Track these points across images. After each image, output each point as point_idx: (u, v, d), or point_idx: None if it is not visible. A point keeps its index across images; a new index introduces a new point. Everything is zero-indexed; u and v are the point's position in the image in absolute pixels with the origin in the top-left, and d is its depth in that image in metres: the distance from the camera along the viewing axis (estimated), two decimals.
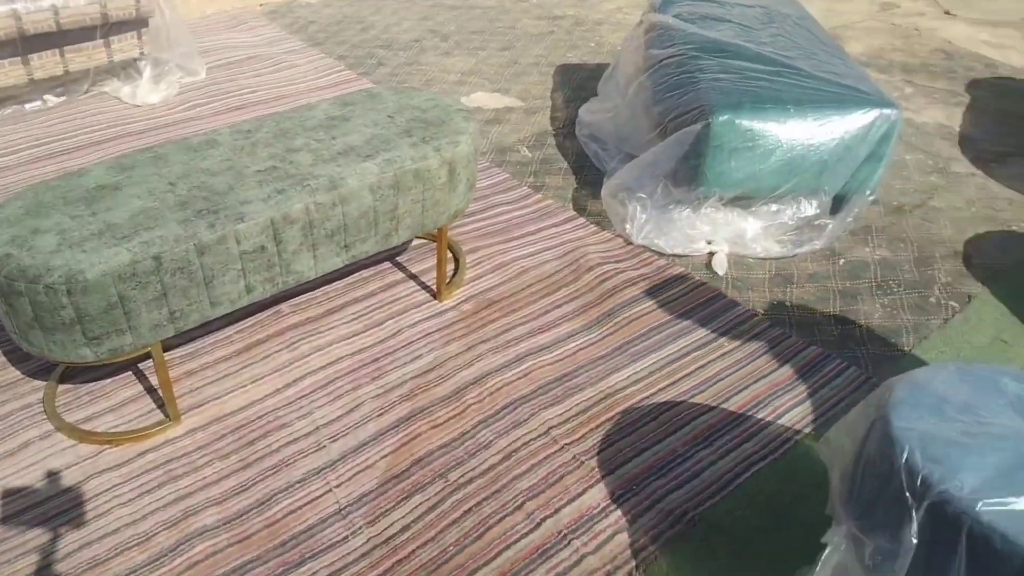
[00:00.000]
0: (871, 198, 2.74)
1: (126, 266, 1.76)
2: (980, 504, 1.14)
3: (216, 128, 2.25)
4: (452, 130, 2.26)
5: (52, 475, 1.91)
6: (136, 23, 3.69)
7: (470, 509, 1.84)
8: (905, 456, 1.23)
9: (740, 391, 2.16)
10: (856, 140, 2.61)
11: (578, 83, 4.06)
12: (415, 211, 2.21)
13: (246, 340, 2.34)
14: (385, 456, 1.97)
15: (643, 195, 2.79)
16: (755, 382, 2.19)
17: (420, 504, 1.85)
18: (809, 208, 2.67)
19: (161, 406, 2.11)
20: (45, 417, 2.06)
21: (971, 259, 2.70)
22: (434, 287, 2.53)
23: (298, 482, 1.91)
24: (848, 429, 1.46)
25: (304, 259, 2.05)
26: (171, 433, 2.04)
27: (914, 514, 1.19)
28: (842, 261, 2.70)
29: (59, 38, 3.51)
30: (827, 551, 1.34)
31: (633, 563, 1.71)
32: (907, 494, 1.20)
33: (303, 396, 2.15)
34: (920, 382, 1.39)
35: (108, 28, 3.60)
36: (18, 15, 3.33)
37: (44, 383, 2.16)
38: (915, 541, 1.19)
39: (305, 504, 1.86)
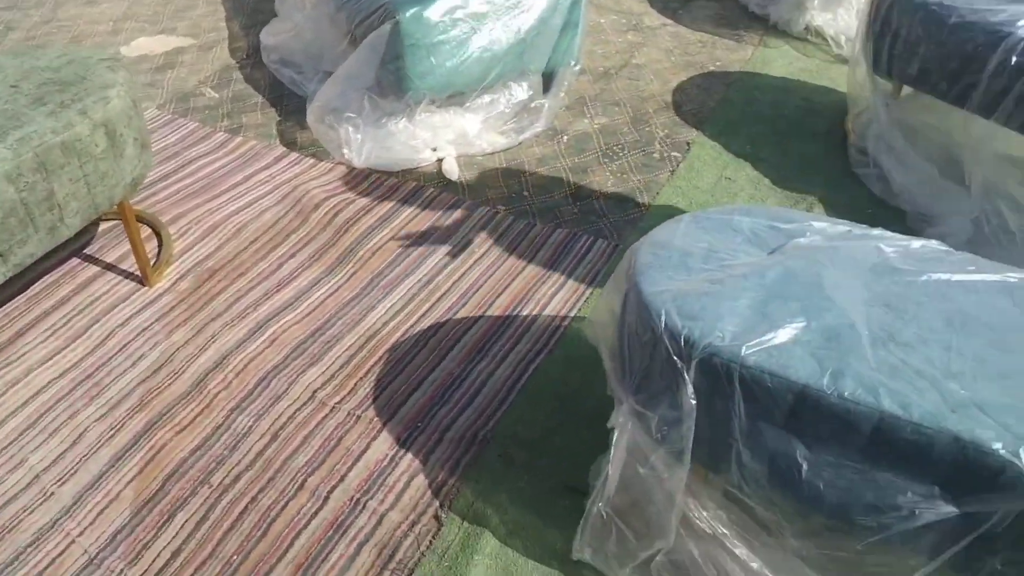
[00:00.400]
0: (576, 68, 2.72)
1: None
2: (744, 349, 1.13)
3: None
4: (97, 85, 1.87)
5: None
6: None
7: (246, 508, 1.61)
8: (663, 321, 1.19)
9: (501, 293, 2.08)
10: (548, 12, 2.55)
11: (252, 5, 3.65)
12: (79, 191, 1.83)
13: None
14: (130, 482, 1.67)
15: (352, 114, 2.56)
16: (513, 280, 2.12)
17: (186, 522, 1.59)
18: (521, 92, 2.60)
19: None
20: None
21: (681, 107, 2.79)
22: (138, 272, 2.17)
23: (29, 545, 1.57)
24: (606, 305, 1.41)
25: None
26: None
27: (686, 376, 1.16)
28: (565, 138, 2.68)
29: None
30: (615, 435, 1.30)
31: (436, 503, 1.60)
32: (675, 358, 1.17)
33: (10, 443, 1.76)
34: (660, 242, 1.35)
35: None
36: None
37: None
38: (693, 403, 1.16)
39: (46, 568, 1.53)
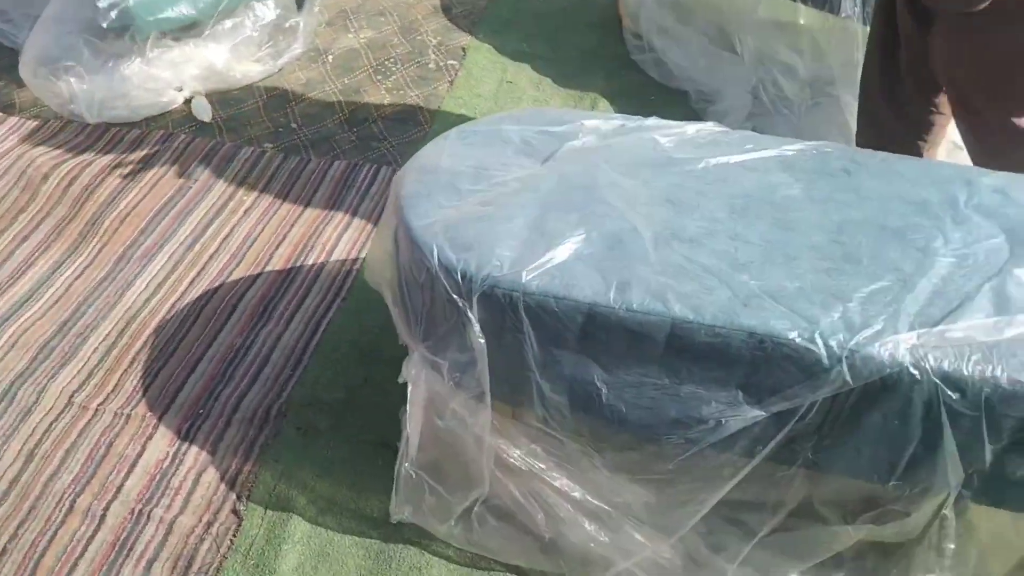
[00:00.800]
0: None
1: None
2: (524, 275, 1.01)
3: None
4: None
5: None
6: None
7: (4, 549, 1.35)
8: (436, 257, 1.05)
9: (280, 244, 1.86)
10: None
11: None
12: None
13: None
14: None
15: (71, 62, 2.18)
16: (292, 228, 1.90)
17: None
18: (268, 11, 2.30)
19: None
20: None
21: (450, 10, 2.60)
22: None
23: None
24: (381, 244, 1.25)
25: None
26: None
27: (470, 314, 1.03)
28: (331, 58, 2.43)
29: None
30: (409, 388, 1.17)
31: (232, 496, 1.41)
32: (454, 297, 1.04)
33: None
34: (426, 166, 1.20)
35: None
36: None
37: None
38: (482, 342, 1.04)
39: None
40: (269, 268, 1.80)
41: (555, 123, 1.28)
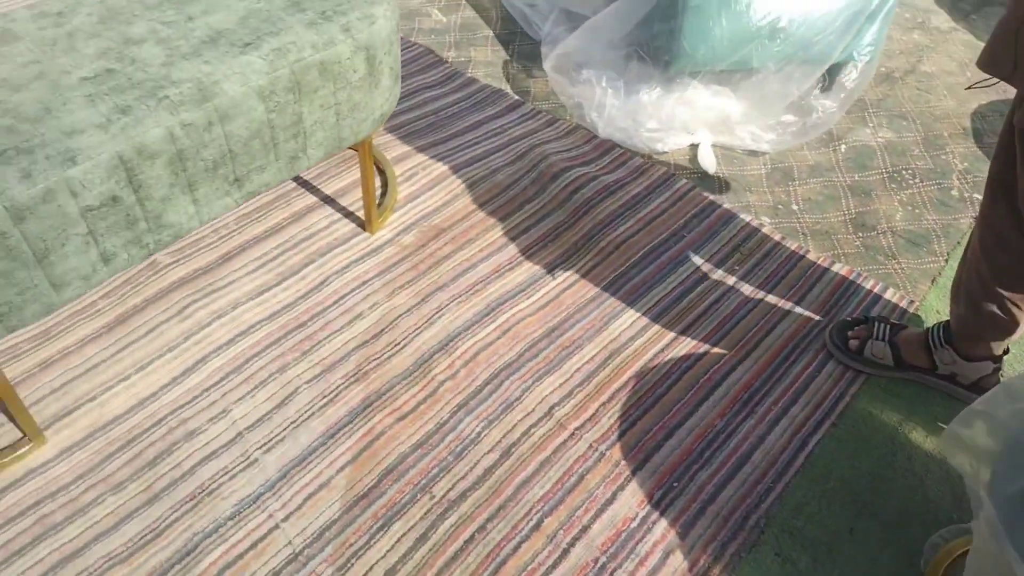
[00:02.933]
0: (870, 64, 2.29)
1: None
2: None
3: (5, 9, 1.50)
4: (362, 0, 1.60)
5: None
6: None
7: (472, 537, 1.38)
8: None
9: (768, 333, 1.76)
10: None
11: None
12: (327, 120, 1.59)
13: (117, 309, 1.72)
14: (343, 468, 1.47)
15: (599, 72, 2.25)
16: (781, 320, 1.79)
17: (404, 535, 1.38)
18: (803, 80, 2.20)
19: (12, 419, 1.51)
20: None
21: (982, 137, 2.35)
22: (359, 214, 1.94)
23: (230, 518, 1.39)
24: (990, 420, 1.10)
25: (180, 206, 1.42)
26: (35, 458, 1.45)
27: None
28: (843, 147, 2.29)
29: None
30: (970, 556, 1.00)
31: None
32: None
33: (212, 387, 1.59)
34: None
35: None
36: None
37: None
38: None
39: (247, 551, 1.35)
40: (755, 355, 1.70)
41: None
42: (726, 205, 2.07)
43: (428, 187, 2.05)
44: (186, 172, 1.39)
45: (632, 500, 1.44)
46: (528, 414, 1.57)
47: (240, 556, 1.35)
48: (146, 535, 1.36)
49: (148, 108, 1.30)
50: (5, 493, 1.41)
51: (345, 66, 1.56)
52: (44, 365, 1.60)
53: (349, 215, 1.96)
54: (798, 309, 1.82)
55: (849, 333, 1.69)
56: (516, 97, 2.39)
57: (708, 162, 2.19)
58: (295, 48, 1.47)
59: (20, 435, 1.48)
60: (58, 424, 1.51)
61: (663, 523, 1.41)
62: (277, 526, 1.39)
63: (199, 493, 1.42)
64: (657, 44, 2.23)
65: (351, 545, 1.37)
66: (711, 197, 2.09)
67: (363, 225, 1.93)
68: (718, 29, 2.13)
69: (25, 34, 1.41)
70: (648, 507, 1.43)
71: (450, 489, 1.45)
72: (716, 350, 1.71)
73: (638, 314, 1.77)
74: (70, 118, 1.25)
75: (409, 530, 1.39)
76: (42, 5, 1.49)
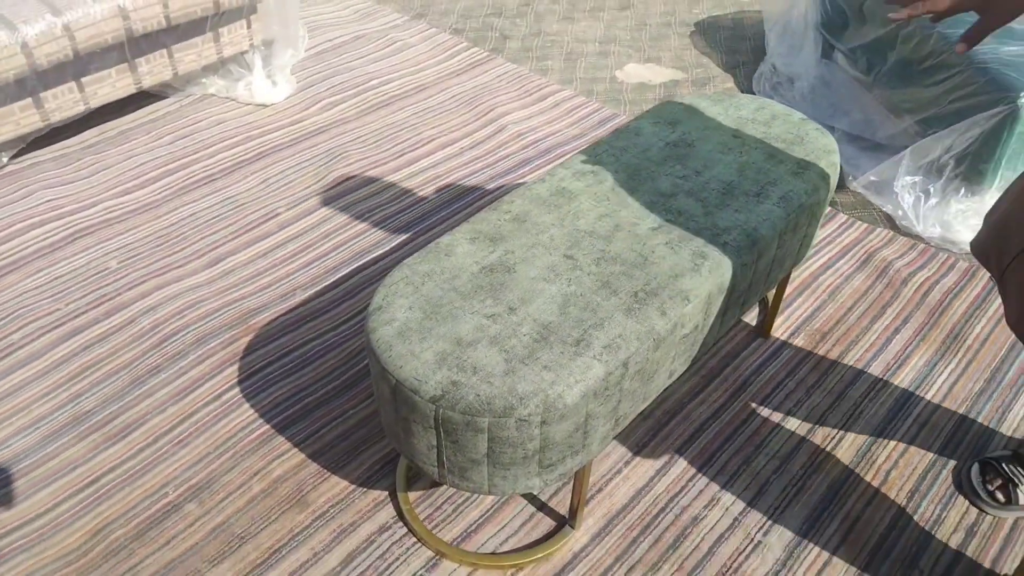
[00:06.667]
0: None
1: (600, 381, 1.41)
2: None
3: (526, 156, 1.84)
4: (819, 148, 1.92)
5: None
6: (246, 10, 3.13)
7: None
8: None
9: None
10: None
11: (726, 44, 3.70)
12: (794, 251, 1.90)
13: None
14: (836, 546, 1.71)
15: (920, 180, 2.55)
16: None
17: None
18: None
19: (542, 507, 1.79)
20: (416, 541, 1.71)
21: None
22: (755, 323, 2.24)
23: None
24: None
25: (715, 328, 1.72)
26: (576, 542, 1.73)
27: None
28: None
29: (167, 36, 2.95)
30: None
31: None
32: None
33: (694, 477, 1.86)
34: None
35: (219, 18, 3.04)
36: (126, 12, 2.75)
37: (384, 493, 1.80)
38: None
39: None
40: None
41: None
42: None
43: (797, 291, 2.33)
44: (727, 302, 1.68)
45: None
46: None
47: None
48: None
49: (716, 252, 1.61)
50: (566, 571, 1.67)
51: (821, 207, 1.85)
52: None
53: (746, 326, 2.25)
54: None
55: None
56: (828, 208, 2.69)
57: None
58: (794, 196, 1.79)
59: (553, 523, 1.76)
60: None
61: None
62: None
63: (724, 573, 1.68)
64: (975, 165, 2.50)
65: None
66: None
67: (761, 331, 2.21)
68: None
69: (574, 190, 1.76)
70: None
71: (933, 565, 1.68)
72: None
73: None
74: (665, 263, 1.57)
75: None
76: (569, 163, 1.85)
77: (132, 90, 2.93)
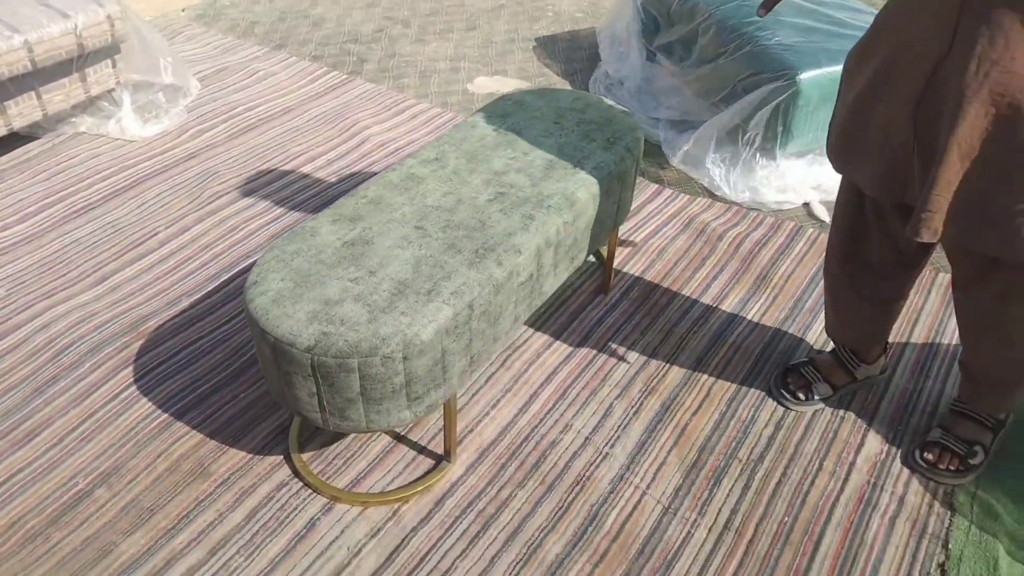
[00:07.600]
0: None
1: (449, 320, 1.70)
2: None
3: (389, 162, 2.13)
4: (625, 127, 2.29)
5: (362, 548, 1.83)
6: (110, 50, 3.30)
7: (777, 487, 1.98)
8: None
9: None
10: None
11: (564, 54, 4.12)
12: (612, 213, 2.25)
13: None
14: (669, 449, 2.06)
15: (724, 156, 3.00)
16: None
17: (731, 487, 1.97)
18: None
19: (421, 450, 2.06)
20: (312, 492, 1.94)
21: None
22: (595, 284, 2.59)
23: (610, 493, 1.96)
24: None
25: (550, 279, 2.05)
26: (453, 474, 2.00)
27: None
28: None
29: (33, 78, 3.08)
30: None
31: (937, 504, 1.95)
32: None
33: (551, 410, 2.16)
34: None
35: (84, 59, 3.19)
36: None
37: (279, 458, 2.02)
38: None
39: (632, 511, 1.91)
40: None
41: None
42: None
43: (628, 258, 2.71)
44: (556, 255, 2.01)
45: (874, 443, 2.06)
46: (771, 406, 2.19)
47: (631, 515, 1.91)
48: (559, 510, 1.91)
49: (543, 214, 1.93)
50: (446, 499, 1.94)
51: (630, 174, 2.22)
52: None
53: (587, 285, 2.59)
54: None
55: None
56: (656, 186, 3.10)
57: (821, 214, 2.91)
58: (605, 165, 2.14)
59: (433, 462, 2.03)
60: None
61: (896, 468, 2.03)
62: (645, 493, 1.96)
63: (580, 480, 1.99)
64: (768, 136, 2.96)
65: (698, 497, 1.95)
66: None
67: (600, 289, 2.56)
68: (816, 123, 2.90)
69: (423, 175, 2.06)
70: (887, 444, 2.06)
71: (749, 453, 2.05)
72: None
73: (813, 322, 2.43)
74: (500, 226, 1.89)
75: (734, 483, 1.98)
76: (419, 154, 2.15)
77: (3, 132, 3.04)
